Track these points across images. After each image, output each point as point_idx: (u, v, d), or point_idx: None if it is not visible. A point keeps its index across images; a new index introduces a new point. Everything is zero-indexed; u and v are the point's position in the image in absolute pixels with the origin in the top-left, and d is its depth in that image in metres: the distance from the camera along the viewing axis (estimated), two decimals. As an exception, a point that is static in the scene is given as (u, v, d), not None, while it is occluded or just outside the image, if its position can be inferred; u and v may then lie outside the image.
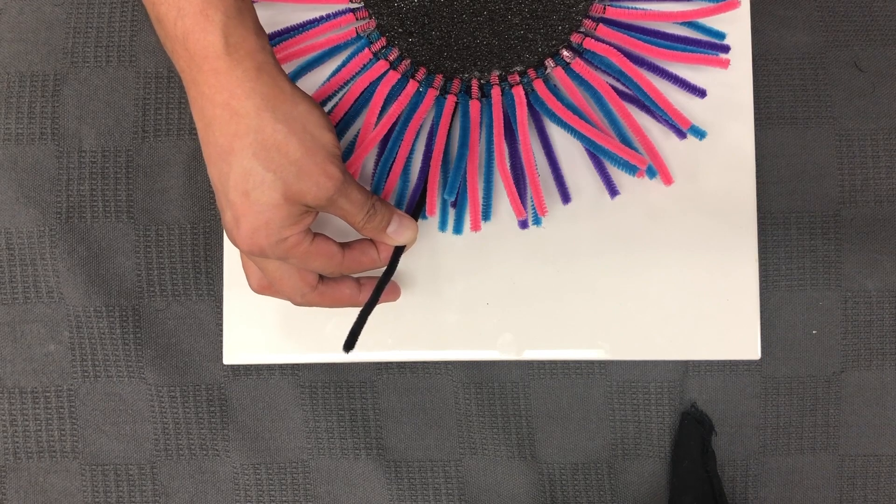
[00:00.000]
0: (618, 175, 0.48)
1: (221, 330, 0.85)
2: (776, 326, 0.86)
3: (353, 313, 0.48)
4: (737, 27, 0.48)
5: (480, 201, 0.47)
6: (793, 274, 0.86)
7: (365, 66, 0.47)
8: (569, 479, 0.86)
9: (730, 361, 0.86)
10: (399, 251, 0.43)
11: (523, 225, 0.47)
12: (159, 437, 0.87)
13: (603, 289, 0.48)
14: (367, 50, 0.47)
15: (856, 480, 0.86)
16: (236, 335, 0.49)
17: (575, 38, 0.47)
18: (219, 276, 0.86)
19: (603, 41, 0.47)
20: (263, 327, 0.48)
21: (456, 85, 0.47)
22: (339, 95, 0.47)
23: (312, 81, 0.48)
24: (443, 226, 0.48)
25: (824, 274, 0.86)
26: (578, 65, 0.47)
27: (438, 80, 0.47)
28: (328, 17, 0.48)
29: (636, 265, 0.48)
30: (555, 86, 0.48)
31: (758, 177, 0.48)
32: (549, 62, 0.47)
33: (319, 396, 0.86)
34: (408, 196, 0.47)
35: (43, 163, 0.87)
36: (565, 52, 0.47)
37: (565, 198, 0.47)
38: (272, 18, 0.48)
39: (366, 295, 0.43)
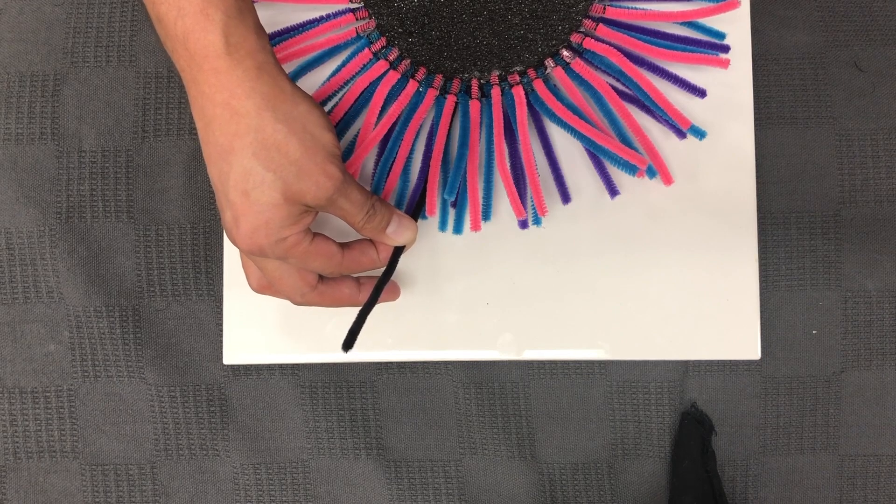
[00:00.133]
0: (618, 175, 0.48)
1: (221, 330, 0.85)
2: (776, 326, 0.86)
3: (353, 313, 0.48)
4: (737, 27, 0.48)
5: (480, 201, 0.47)
6: (793, 274, 0.86)
7: (365, 66, 0.47)
8: (569, 479, 0.86)
9: (730, 361, 0.86)
10: (398, 251, 0.43)
11: (523, 225, 0.47)
12: (159, 437, 0.87)
13: (603, 289, 0.48)
14: (367, 50, 0.47)
15: (856, 480, 0.86)
16: (236, 335, 0.49)
17: (575, 38, 0.47)
18: (219, 276, 0.86)
19: (603, 41, 0.47)
20: (263, 327, 0.48)
21: (456, 85, 0.47)
22: (339, 95, 0.47)
23: (312, 81, 0.48)
24: (443, 226, 0.48)
25: (824, 274, 0.86)
26: (578, 65, 0.47)
27: (438, 80, 0.47)
28: (328, 17, 0.48)
29: (636, 265, 0.48)
30: (555, 86, 0.48)
31: (758, 177, 0.48)
32: (549, 62, 0.47)
33: (319, 396, 0.86)
34: (408, 196, 0.47)
35: (43, 163, 0.87)
36: (565, 52, 0.47)
37: (565, 198, 0.47)
38: (272, 18, 0.48)
39: (365, 294, 0.43)
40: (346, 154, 0.47)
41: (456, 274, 0.48)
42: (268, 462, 0.86)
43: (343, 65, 0.47)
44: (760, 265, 0.85)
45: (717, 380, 0.86)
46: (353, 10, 0.47)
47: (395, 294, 0.46)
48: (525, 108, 0.46)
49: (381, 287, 0.43)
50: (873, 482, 0.86)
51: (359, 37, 0.48)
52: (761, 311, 0.82)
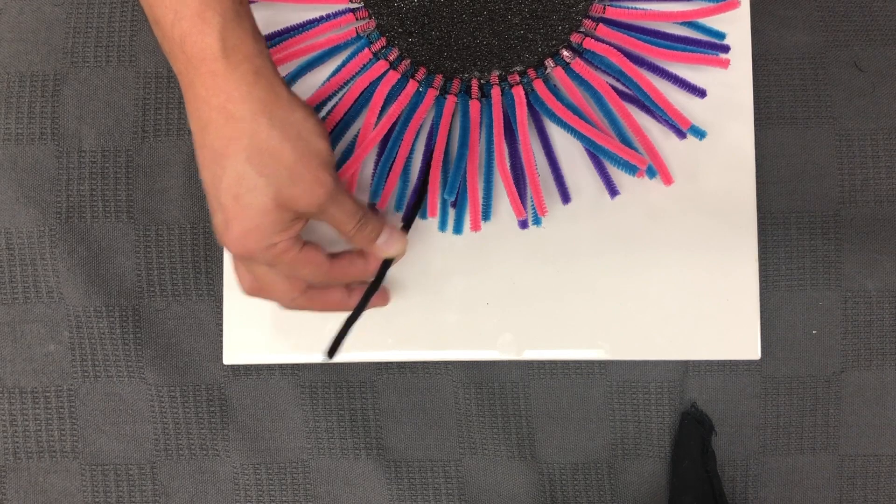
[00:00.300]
0: (618, 175, 0.48)
1: (221, 330, 0.85)
2: (776, 326, 0.86)
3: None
4: (737, 27, 0.48)
5: (480, 201, 0.47)
6: (793, 274, 0.86)
7: (365, 66, 0.47)
8: (569, 479, 0.86)
9: (730, 361, 0.86)
10: (387, 263, 0.43)
11: (523, 225, 0.47)
12: (159, 437, 0.87)
13: (603, 289, 0.48)
14: (366, 50, 0.47)
15: (856, 480, 0.86)
16: (236, 335, 0.49)
17: (575, 38, 0.47)
18: (219, 276, 0.86)
19: (603, 41, 0.47)
20: (263, 327, 0.48)
21: (456, 85, 0.47)
22: (339, 95, 0.47)
23: (312, 81, 0.48)
24: (443, 226, 0.48)
25: (824, 274, 0.86)
26: (578, 65, 0.47)
27: (438, 80, 0.47)
28: (328, 17, 0.48)
29: (636, 265, 0.48)
30: (555, 86, 0.48)
31: (758, 177, 0.48)
32: (549, 62, 0.47)
33: (319, 396, 0.86)
34: (407, 196, 0.47)
35: (43, 163, 0.87)
36: (565, 52, 0.47)
37: (565, 198, 0.47)
38: (272, 18, 0.48)
39: (355, 300, 0.43)
40: (346, 154, 0.47)
41: (456, 274, 0.48)
42: (268, 462, 0.86)
43: (343, 65, 0.47)
44: (760, 265, 0.85)
45: (717, 380, 0.86)
46: (353, 10, 0.47)
47: (384, 300, 0.46)
48: (525, 108, 0.46)
49: (369, 297, 0.43)
50: (873, 482, 0.86)
51: (359, 37, 0.48)
52: (761, 311, 0.82)
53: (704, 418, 0.85)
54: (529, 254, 0.48)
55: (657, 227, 0.48)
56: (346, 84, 0.47)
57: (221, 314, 0.85)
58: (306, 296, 0.41)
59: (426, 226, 0.48)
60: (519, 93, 0.46)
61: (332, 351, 0.42)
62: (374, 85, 0.47)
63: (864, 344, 0.85)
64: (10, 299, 0.87)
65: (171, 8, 0.35)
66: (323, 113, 0.48)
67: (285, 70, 0.48)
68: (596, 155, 0.47)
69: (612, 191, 0.47)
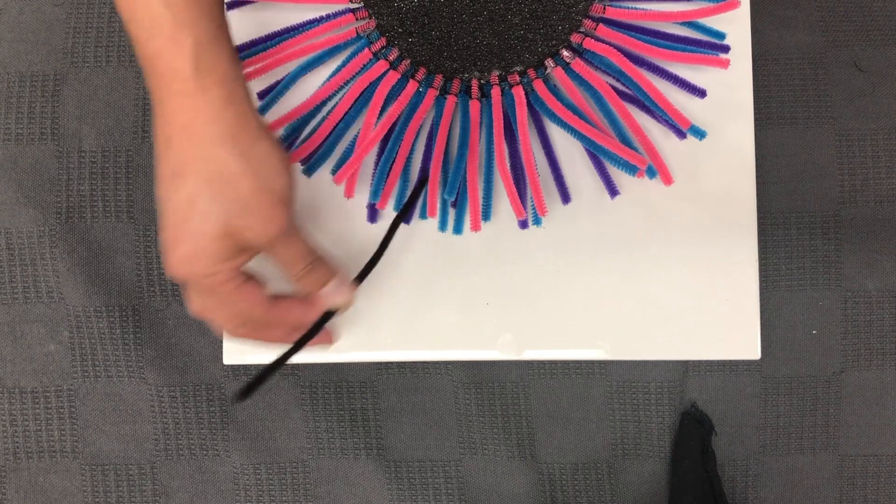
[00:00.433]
0: (618, 175, 0.48)
1: (221, 330, 0.85)
2: (776, 326, 0.86)
3: (352, 312, 0.48)
4: (737, 27, 0.48)
5: (480, 201, 0.47)
6: (793, 274, 0.86)
7: (365, 66, 0.47)
8: (569, 479, 0.86)
9: (730, 361, 0.86)
10: (329, 315, 0.41)
11: (523, 225, 0.47)
12: (159, 437, 0.87)
13: (603, 289, 0.48)
14: (366, 50, 0.47)
15: (856, 480, 0.86)
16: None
17: (575, 38, 0.47)
18: (219, 276, 0.86)
19: (603, 41, 0.47)
20: (263, 327, 0.48)
21: (456, 85, 0.47)
22: (339, 95, 0.47)
23: (312, 81, 0.48)
24: (443, 226, 0.48)
25: (824, 274, 0.86)
26: (578, 65, 0.47)
27: (438, 80, 0.47)
28: (328, 17, 0.48)
29: (636, 265, 0.48)
30: (555, 86, 0.48)
31: (758, 177, 0.48)
32: (549, 62, 0.47)
33: (319, 396, 0.86)
34: (408, 196, 0.47)
35: (43, 163, 0.87)
36: (565, 52, 0.47)
37: (565, 198, 0.47)
38: (272, 18, 0.48)
39: (294, 338, 0.41)
40: (347, 154, 0.47)
41: (456, 274, 0.48)
42: (268, 462, 0.86)
43: (343, 65, 0.47)
44: (760, 265, 0.85)
45: (717, 380, 0.86)
46: (353, 10, 0.47)
47: (327, 341, 0.45)
48: (525, 108, 0.46)
49: (300, 346, 0.41)
50: (873, 482, 0.86)
51: (359, 37, 0.48)
52: (761, 311, 0.82)
53: (704, 418, 0.85)
54: (529, 254, 0.48)
55: (657, 227, 0.48)
56: (346, 84, 0.47)
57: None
58: (246, 328, 0.40)
59: (426, 226, 0.48)
60: (519, 93, 0.46)
61: (245, 394, 0.38)
62: (374, 85, 0.47)
63: (864, 344, 0.85)
64: (10, 299, 0.87)
65: (146, 26, 0.35)
66: (323, 113, 0.48)
67: (285, 70, 0.48)
68: (596, 155, 0.47)
69: (612, 191, 0.47)
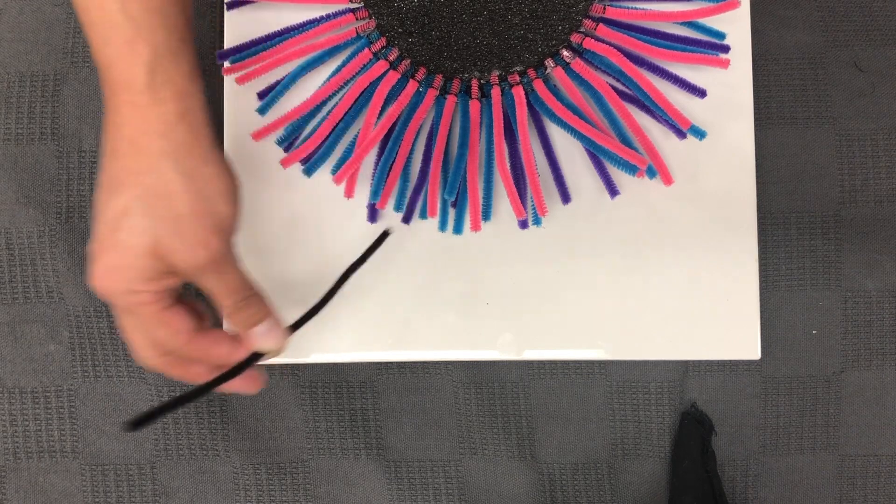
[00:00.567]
0: (618, 175, 0.48)
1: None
2: (776, 326, 0.86)
3: (352, 312, 0.48)
4: (737, 27, 0.48)
5: (480, 201, 0.47)
6: (793, 274, 0.86)
7: (365, 66, 0.47)
8: (569, 479, 0.86)
9: (730, 361, 0.86)
10: (256, 356, 0.39)
11: (523, 225, 0.47)
12: (159, 437, 0.87)
13: (603, 289, 0.48)
14: (367, 50, 0.47)
15: (856, 480, 0.86)
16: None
17: (575, 38, 0.47)
18: (219, 276, 0.86)
19: (603, 41, 0.47)
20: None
21: (456, 85, 0.47)
22: (339, 95, 0.47)
23: (312, 81, 0.48)
24: (443, 226, 0.48)
25: (824, 274, 0.86)
26: (578, 65, 0.47)
27: (438, 80, 0.47)
28: (328, 17, 0.48)
29: (636, 265, 0.48)
30: (555, 86, 0.48)
31: (758, 177, 0.48)
32: (549, 62, 0.47)
33: (319, 396, 0.86)
34: (407, 196, 0.47)
35: (43, 163, 0.87)
36: (565, 52, 0.47)
37: (565, 198, 0.47)
38: (272, 18, 0.48)
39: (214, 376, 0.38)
40: (347, 154, 0.47)
41: (456, 274, 0.48)
42: (268, 462, 0.86)
43: (343, 65, 0.47)
44: (760, 265, 0.85)
45: (717, 380, 0.86)
46: (353, 10, 0.47)
47: (252, 387, 0.40)
48: (525, 108, 0.46)
49: (210, 387, 0.37)
50: (873, 482, 0.86)
51: (359, 37, 0.48)
52: (761, 311, 0.82)
53: (704, 418, 0.85)
54: (529, 254, 0.48)
55: (657, 227, 0.48)
56: (346, 84, 0.47)
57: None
58: (165, 360, 0.37)
59: (426, 226, 0.48)
60: (519, 93, 0.46)
61: (136, 425, 0.33)
62: (374, 85, 0.47)
63: (864, 344, 0.85)
64: (10, 299, 0.87)
65: (101, 32, 0.34)
66: (323, 113, 0.48)
67: (285, 70, 0.48)
68: (596, 155, 0.47)
69: (612, 191, 0.47)
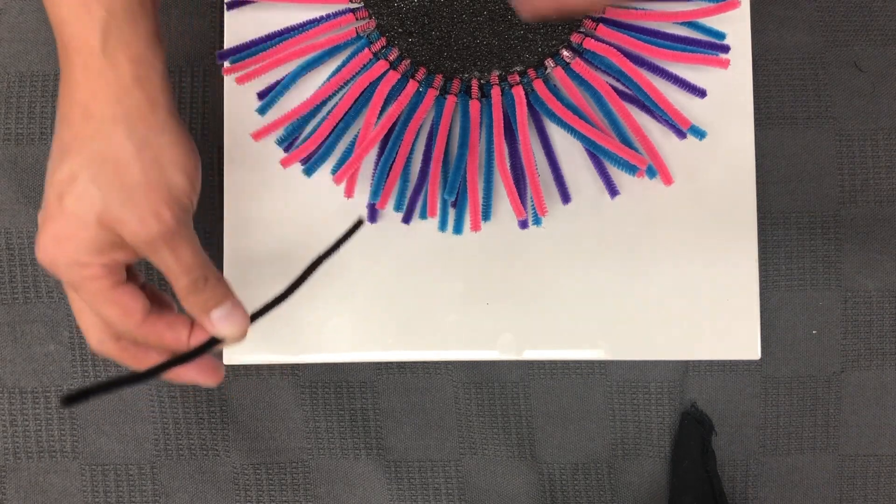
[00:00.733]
0: (618, 175, 0.48)
1: (221, 330, 0.84)
2: (776, 326, 0.86)
3: (352, 312, 0.48)
4: (737, 27, 0.48)
5: (480, 201, 0.47)
6: (793, 274, 0.86)
7: (365, 66, 0.47)
8: (569, 479, 0.86)
9: (730, 361, 0.86)
10: (212, 343, 0.36)
11: (523, 225, 0.47)
12: (159, 437, 0.87)
13: (603, 289, 0.48)
14: (367, 50, 0.47)
15: (856, 480, 0.86)
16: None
17: (575, 38, 0.47)
18: (219, 276, 0.86)
19: (603, 41, 0.47)
20: (263, 327, 0.48)
21: (456, 85, 0.47)
22: (339, 95, 0.47)
23: (312, 81, 0.48)
24: (443, 226, 0.48)
25: (824, 274, 0.86)
26: (578, 65, 0.47)
27: (438, 80, 0.47)
28: (328, 17, 0.48)
29: (636, 265, 0.48)
30: (555, 86, 0.48)
31: (758, 177, 0.48)
32: (549, 62, 0.47)
33: (319, 396, 0.86)
34: (407, 196, 0.47)
35: (43, 163, 0.87)
36: (565, 52, 0.47)
37: (565, 198, 0.47)
38: (272, 18, 0.48)
39: (182, 373, 0.36)
40: (346, 154, 0.47)
41: (456, 274, 0.48)
42: (268, 462, 0.86)
43: (343, 65, 0.47)
44: (760, 265, 0.85)
45: (717, 380, 0.86)
46: (353, 10, 0.47)
47: (212, 378, 0.37)
48: (525, 108, 0.46)
49: (158, 371, 0.34)
50: (873, 482, 0.86)
51: (359, 37, 0.47)
52: (761, 311, 0.82)
53: (704, 418, 0.85)
54: (529, 254, 0.48)
55: (657, 227, 0.48)
56: (346, 84, 0.47)
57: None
58: (117, 345, 0.36)
59: (426, 226, 0.48)
60: (519, 93, 0.46)
61: (70, 401, 0.30)
62: (374, 85, 0.47)
63: (864, 344, 0.85)
64: (10, 299, 0.87)
65: None
66: (323, 113, 0.48)
67: (285, 70, 0.48)
68: (596, 155, 0.47)
69: (612, 191, 0.47)
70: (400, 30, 0.47)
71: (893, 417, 0.85)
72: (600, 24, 0.47)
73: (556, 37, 0.47)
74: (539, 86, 0.47)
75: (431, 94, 0.47)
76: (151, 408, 0.87)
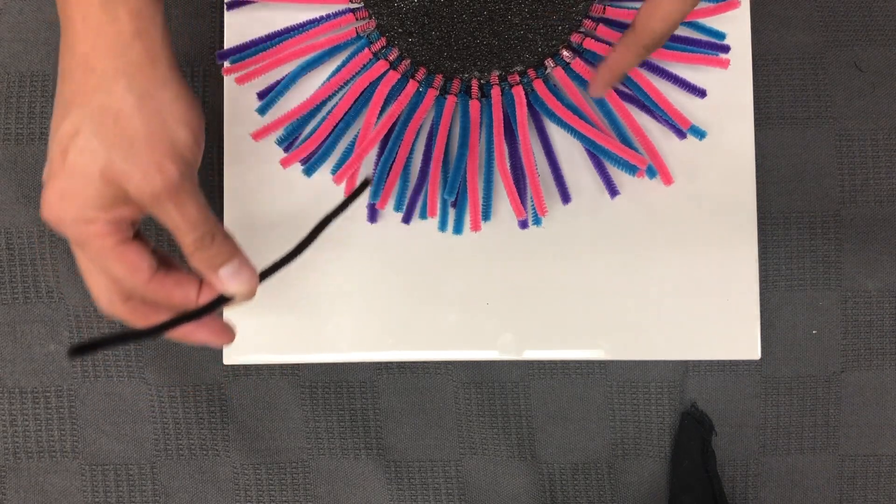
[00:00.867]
0: (618, 175, 0.48)
1: (221, 330, 0.84)
2: (776, 326, 0.86)
3: (352, 312, 0.48)
4: (737, 27, 0.48)
5: (480, 201, 0.47)
6: (793, 274, 0.86)
7: (365, 66, 0.47)
8: (569, 479, 0.86)
9: (730, 361, 0.86)
10: (221, 301, 0.35)
11: (523, 225, 0.47)
12: (159, 437, 0.87)
13: (603, 289, 0.48)
14: (367, 50, 0.47)
15: (856, 480, 0.86)
16: (236, 335, 0.49)
17: (575, 38, 0.47)
18: (219, 276, 0.86)
19: (603, 41, 0.47)
20: (263, 327, 0.48)
21: (456, 85, 0.47)
22: (339, 95, 0.47)
23: (312, 81, 0.48)
24: (443, 226, 0.48)
25: (824, 274, 0.86)
26: (578, 65, 0.47)
27: (438, 80, 0.47)
28: (328, 17, 0.48)
29: (636, 265, 0.48)
30: (555, 86, 0.48)
31: (758, 177, 0.48)
32: (549, 62, 0.47)
33: (319, 396, 0.86)
34: (407, 196, 0.47)
35: (43, 163, 0.87)
36: (565, 52, 0.47)
37: (565, 198, 0.47)
38: (272, 18, 0.48)
39: (196, 334, 0.36)
40: (346, 154, 0.47)
41: (456, 274, 0.48)
42: (268, 462, 0.86)
43: (343, 65, 0.47)
44: (760, 265, 0.85)
45: (717, 380, 0.86)
46: (353, 10, 0.47)
47: (222, 338, 0.37)
48: (525, 108, 0.46)
49: (166, 327, 0.33)
50: (873, 482, 0.86)
51: (359, 37, 0.47)
52: (761, 311, 0.82)
53: (704, 418, 0.85)
54: (529, 254, 0.48)
55: (657, 227, 0.48)
56: (346, 84, 0.47)
57: (221, 314, 0.85)
58: (127, 306, 0.35)
59: (426, 226, 0.48)
60: (519, 93, 0.46)
61: (77, 352, 0.30)
62: (374, 85, 0.47)
63: (864, 344, 0.85)
64: (10, 299, 0.87)
65: None
66: (323, 113, 0.48)
67: (285, 70, 0.48)
68: (596, 155, 0.47)
69: (612, 191, 0.47)
70: (400, 30, 0.47)
71: (893, 417, 0.85)
72: (600, 24, 0.47)
73: (556, 37, 0.47)
74: (539, 86, 0.47)
75: (431, 94, 0.47)
76: (151, 408, 0.87)
